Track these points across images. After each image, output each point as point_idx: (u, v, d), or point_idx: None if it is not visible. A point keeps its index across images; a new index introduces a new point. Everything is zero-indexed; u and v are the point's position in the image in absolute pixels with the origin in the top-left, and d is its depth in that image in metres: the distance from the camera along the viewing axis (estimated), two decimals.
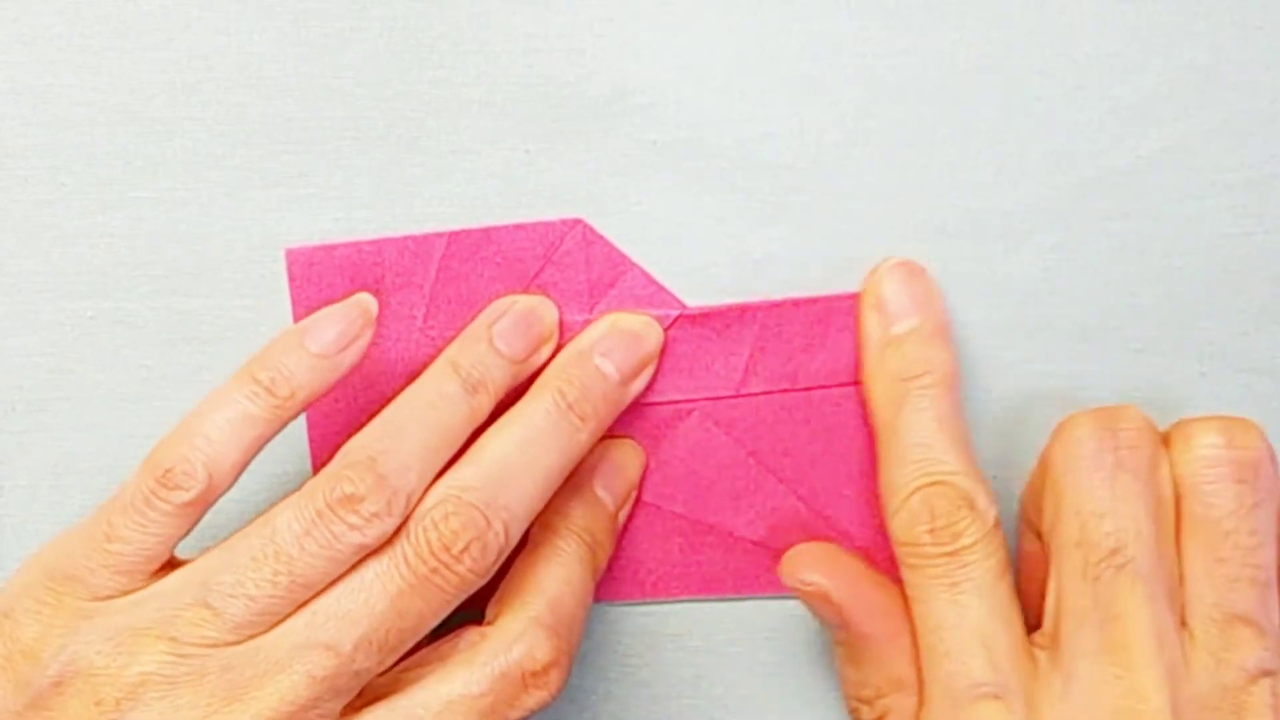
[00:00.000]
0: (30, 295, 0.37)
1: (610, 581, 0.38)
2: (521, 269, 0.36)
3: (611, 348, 0.36)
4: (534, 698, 0.33)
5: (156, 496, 0.32)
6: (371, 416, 0.35)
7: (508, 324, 0.35)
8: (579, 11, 0.36)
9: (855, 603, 0.35)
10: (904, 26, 0.36)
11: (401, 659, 0.33)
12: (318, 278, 0.36)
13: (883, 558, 0.37)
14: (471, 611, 0.34)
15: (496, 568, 0.33)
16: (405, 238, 0.36)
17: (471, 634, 0.34)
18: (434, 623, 0.32)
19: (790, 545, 0.37)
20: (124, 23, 0.36)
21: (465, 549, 0.32)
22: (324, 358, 0.33)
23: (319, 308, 0.35)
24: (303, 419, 0.36)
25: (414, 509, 0.32)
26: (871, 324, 0.36)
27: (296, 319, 0.36)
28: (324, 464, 0.34)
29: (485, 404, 0.34)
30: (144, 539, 0.32)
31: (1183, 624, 0.32)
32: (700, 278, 0.37)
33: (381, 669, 0.32)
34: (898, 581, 0.35)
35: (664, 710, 0.39)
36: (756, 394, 0.37)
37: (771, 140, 0.36)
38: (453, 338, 0.36)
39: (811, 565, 0.36)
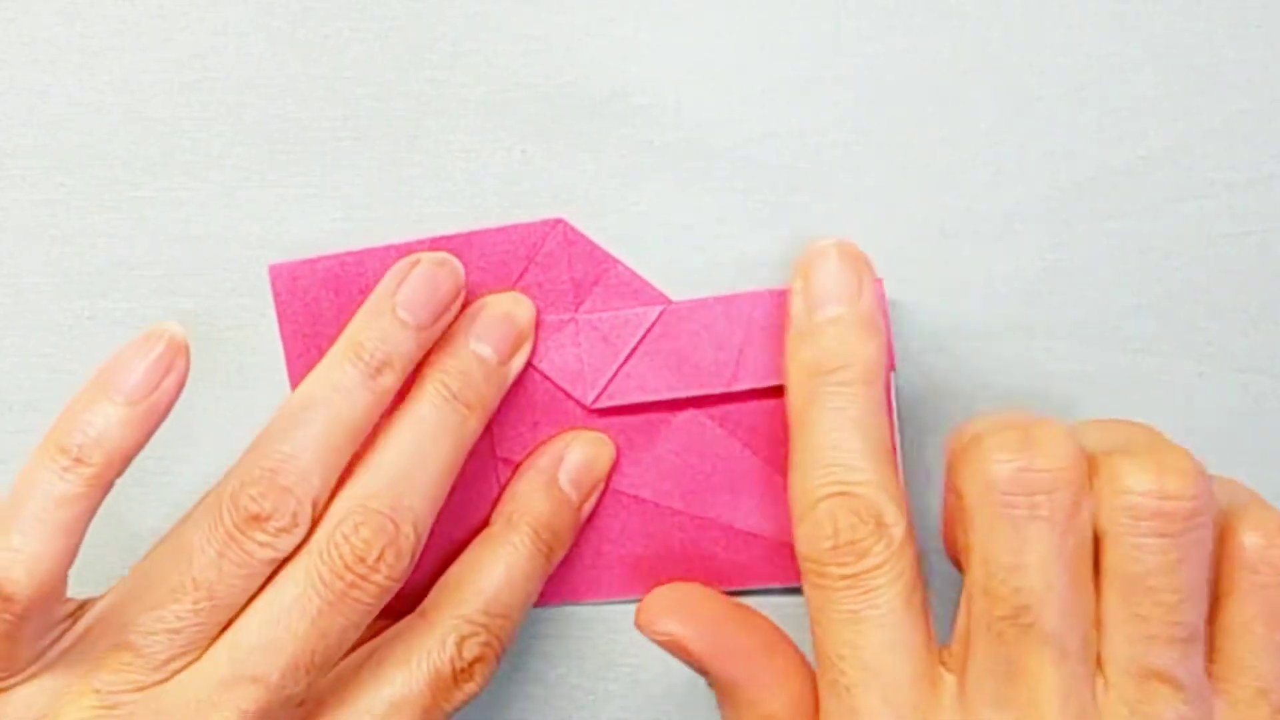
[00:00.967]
0: (29, 295, 0.37)
1: (611, 579, 0.38)
2: (504, 271, 0.36)
3: (485, 331, 0.35)
4: (464, 691, 0.34)
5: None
6: None
7: (413, 289, 0.34)
8: (577, 12, 0.36)
9: (716, 649, 0.34)
10: (903, 26, 0.36)
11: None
12: (302, 292, 0.36)
13: None
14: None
15: (412, 569, 0.33)
16: (388, 247, 0.36)
17: (405, 628, 0.34)
18: (357, 635, 0.32)
19: (789, 535, 0.37)
20: (124, 23, 0.36)
21: (380, 557, 0.32)
22: (132, 405, 0.31)
23: (306, 322, 0.36)
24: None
25: (322, 515, 0.32)
26: (796, 308, 0.34)
27: (284, 334, 0.36)
28: None
29: (391, 383, 0.33)
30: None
31: (1099, 666, 0.30)
32: (698, 278, 0.37)
33: (311, 689, 0.32)
34: None
35: (663, 710, 0.39)
36: (748, 389, 0.37)
37: (770, 140, 0.36)
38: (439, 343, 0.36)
39: (668, 613, 0.35)
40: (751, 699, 0.34)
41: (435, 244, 0.36)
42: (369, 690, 0.33)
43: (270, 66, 0.36)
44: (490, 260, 0.36)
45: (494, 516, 0.36)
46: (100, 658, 0.31)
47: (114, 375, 0.31)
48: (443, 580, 0.35)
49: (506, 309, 0.36)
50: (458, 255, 0.36)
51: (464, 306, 0.36)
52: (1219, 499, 0.31)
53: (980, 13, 0.36)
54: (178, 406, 0.37)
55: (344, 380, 0.33)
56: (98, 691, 0.31)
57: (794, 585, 0.38)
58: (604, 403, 0.36)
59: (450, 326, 0.35)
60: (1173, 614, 0.29)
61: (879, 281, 0.36)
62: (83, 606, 0.32)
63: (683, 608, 0.35)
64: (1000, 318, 0.37)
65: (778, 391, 0.37)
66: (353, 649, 0.33)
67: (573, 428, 0.37)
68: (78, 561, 0.38)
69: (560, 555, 0.37)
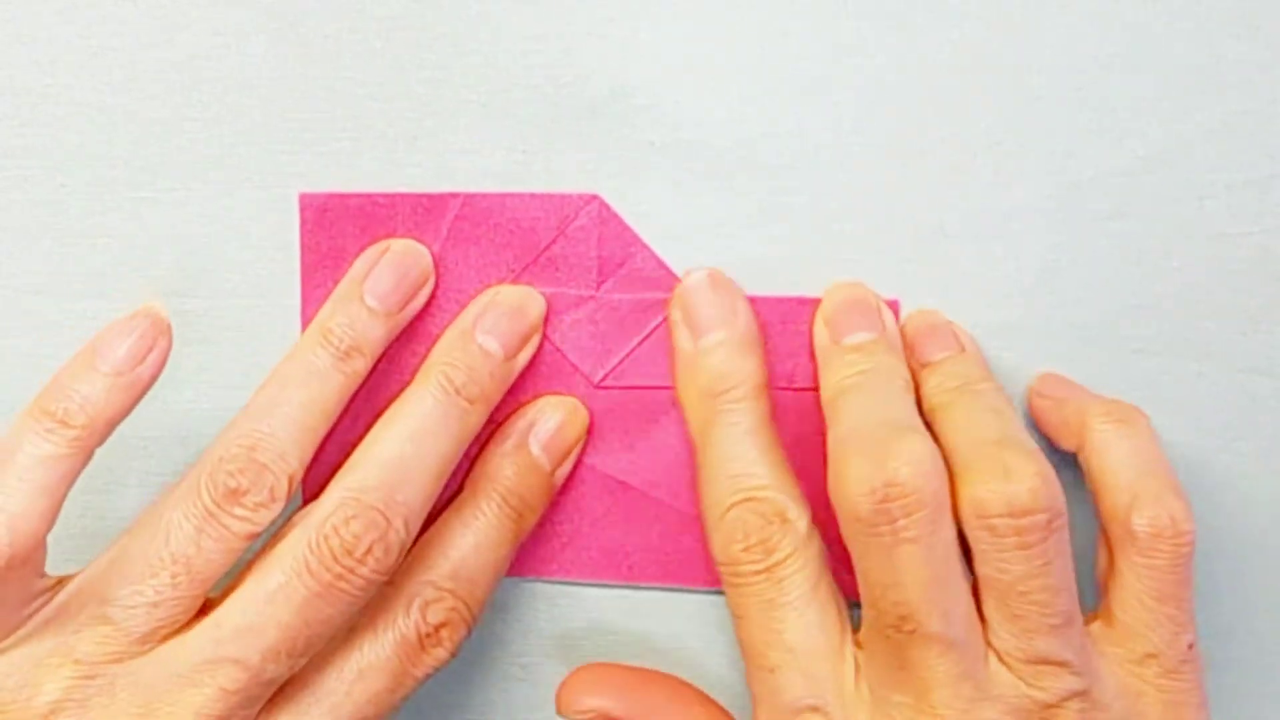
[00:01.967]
0: (29, 295, 0.37)
1: (590, 562, 0.38)
2: (533, 238, 0.36)
3: (493, 324, 0.35)
4: (432, 656, 0.34)
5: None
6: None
7: (381, 277, 0.35)
8: (578, 12, 0.36)
9: (639, 711, 0.35)
10: (903, 27, 0.36)
11: None
12: (329, 224, 0.36)
13: None
14: None
15: (400, 562, 0.33)
16: (420, 194, 0.36)
17: (375, 596, 0.34)
18: (342, 624, 0.33)
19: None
20: (123, 23, 0.36)
21: (368, 551, 0.32)
22: (118, 375, 0.33)
23: (328, 254, 0.36)
24: None
25: (295, 491, 0.33)
26: (681, 338, 0.36)
27: (305, 264, 0.36)
28: None
29: (361, 367, 0.34)
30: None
31: (989, 646, 0.32)
32: None
33: (293, 671, 0.32)
34: None
35: None
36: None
37: (770, 141, 0.36)
38: (458, 299, 0.36)
39: (587, 690, 0.36)
40: None
41: (470, 200, 0.36)
42: (339, 657, 0.33)
43: (270, 66, 0.36)
44: (521, 225, 0.36)
45: (465, 482, 0.36)
46: (80, 629, 0.31)
47: (101, 347, 0.33)
48: (414, 549, 0.35)
49: (517, 303, 0.36)
50: (489, 213, 0.36)
51: (492, 266, 0.36)
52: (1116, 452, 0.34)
53: (980, 13, 0.36)
54: (177, 407, 0.37)
55: (316, 363, 0.34)
56: (78, 662, 0.31)
57: None
58: (610, 382, 0.37)
59: (458, 316, 0.36)
60: (1048, 608, 0.31)
61: (894, 302, 0.36)
62: (61, 581, 0.33)
63: (600, 682, 0.36)
64: (1000, 318, 0.37)
65: (782, 397, 0.37)
66: None
67: None
68: (77, 560, 0.38)
69: (532, 521, 0.37)
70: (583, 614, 0.38)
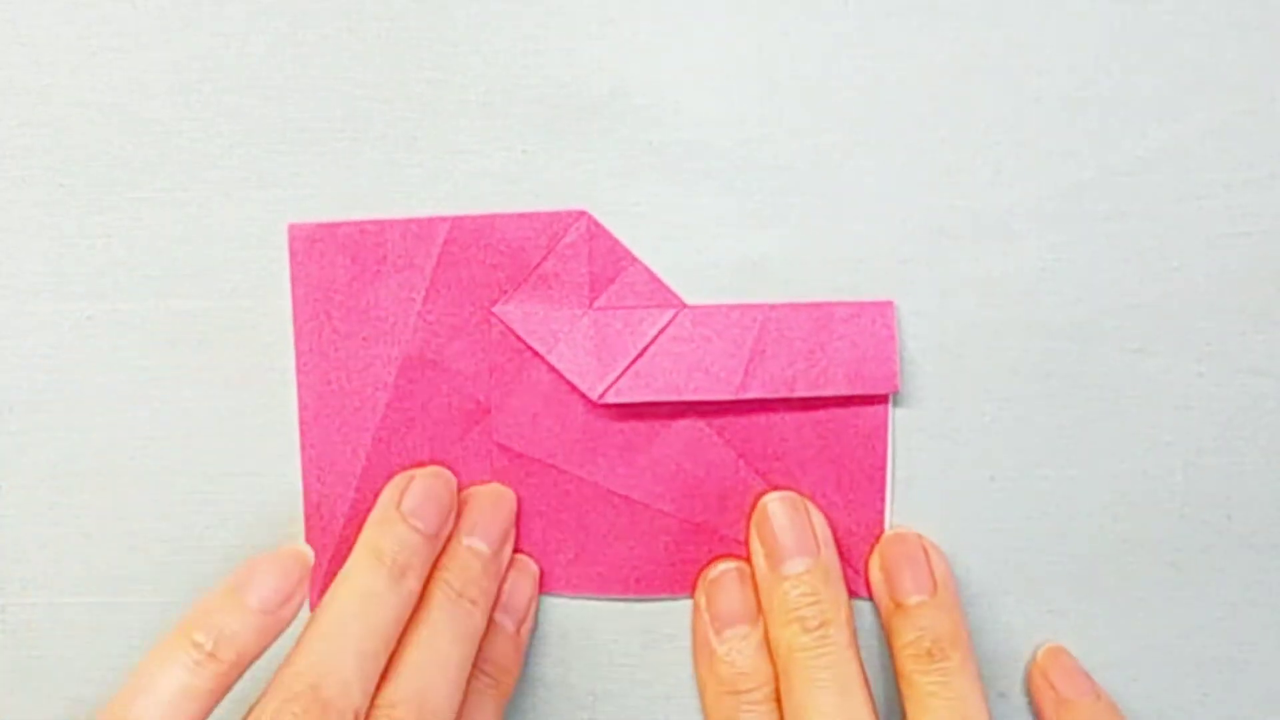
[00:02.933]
0: (29, 296, 0.37)
1: (596, 576, 0.38)
2: (524, 258, 0.36)
3: (475, 524, 0.37)
4: None
5: None
6: (363, 401, 0.36)
7: (417, 500, 0.36)
8: (577, 12, 0.36)
9: None
10: (903, 27, 0.36)
11: None
12: (319, 254, 0.36)
13: (862, 566, 0.37)
14: None
15: None
16: (408, 220, 0.36)
17: None
18: None
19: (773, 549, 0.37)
20: (123, 24, 0.36)
21: None
22: (266, 614, 0.33)
23: (319, 284, 0.36)
24: (293, 399, 0.37)
25: None
26: (701, 628, 0.37)
27: (296, 296, 0.36)
28: (314, 445, 0.35)
29: (415, 587, 0.35)
30: None
31: None
32: (698, 278, 0.37)
33: None
34: None
35: (661, 709, 0.39)
36: (754, 399, 0.37)
37: (770, 141, 0.36)
38: (451, 322, 0.36)
39: None
40: None
41: (458, 223, 0.36)
42: None
43: (270, 66, 0.36)
44: (510, 245, 0.36)
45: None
46: None
47: (250, 582, 0.34)
48: None
49: (492, 499, 0.37)
50: (478, 236, 0.36)
51: (484, 288, 0.36)
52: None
53: (980, 13, 0.36)
54: (176, 406, 0.37)
55: (373, 585, 0.34)
56: None
57: None
58: (610, 398, 0.36)
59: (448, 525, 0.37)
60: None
61: (889, 304, 0.36)
62: None
63: None
64: (1000, 318, 0.37)
65: (780, 405, 0.37)
66: None
67: (573, 420, 0.37)
68: (78, 560, 0.38)
69: (512, 682, 0.37)
70: (617, 633, 0.39)
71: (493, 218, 0.36)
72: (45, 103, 0.36)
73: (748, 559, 0.38)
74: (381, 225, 0.36)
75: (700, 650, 0.37)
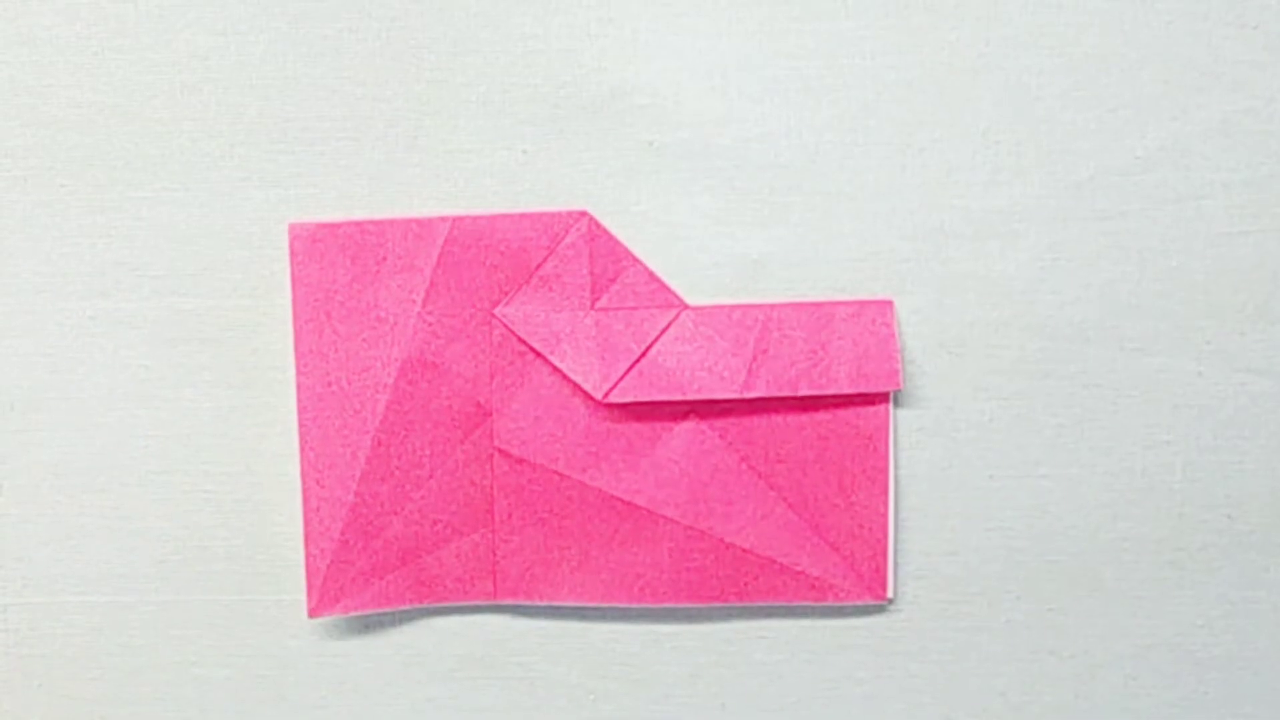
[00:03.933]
0: (30, 295, 0.37)
1: (600, 584, 0.38)
2: (524, 259, 0.36)
3: None
4: None
5: None
6: (363, 402, 0.36)
7: None
8: (577, 13, 0.36)
9: None
10: (902, 27, 0.36)
11: None
12: (320, 254, 0.36)
13: (866, 569, 0.37)
14: None
15: None
16: (409, 220, 0.36)
17: None
18: None
19: (780, 553, 0.37)
20: (123, 24, 0.36)
21: None
22: None
23: (319, 284, 0.36)
24: (293, 398, 0.37)
25: None
26: None
27: (296, 296, 0.36)
28: (314, 445, 0.35)
29: None
30: None
31: None
32: (698, 277, 0.37)
33: None
34: None
35: (662, 709, 0.39)
36: (757, 399, 0.37)
37: (769, 140, 0.36)
38: (451, 324, 0.36)
39: None
40: None
41: (458, 223, 0.36)
42: None
43: (270, 67, 0.36)
44: (511, 245, 0.36)
45: None
46: None
47: None
48: None
49: None
50: (479, 236, 0.36)
51: (485, 289, 0.36)
52: None
53: (980, 13, 0.36)
54: (177, 406, 0.37)
55: None
56: None
57: (781, 604, 0.38)
58: (615, 398, 0.36)
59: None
60: None
61: (889, 303, 0.36)
62: None
63: None
64: (1000, 318, 0.37)
65: (782, 407, 0.37)
66: None
67: (575, 424, 0.37)
68: (78, 560, 0.38)
69: None
70: (617, 633, 0.39)
71: (493, 218, 0.36)
72: (45, 103, 0.36)
73: (749, 566, 0.37)
74: (382, 225, 0.36)
75: None
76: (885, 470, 0.37)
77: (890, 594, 0.37)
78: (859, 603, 0.38)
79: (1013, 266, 0.36)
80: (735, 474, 0.37)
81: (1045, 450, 0.37)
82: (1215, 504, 0.37)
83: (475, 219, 0.36)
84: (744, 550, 0.37)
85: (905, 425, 0.37)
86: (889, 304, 0.36)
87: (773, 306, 0.36)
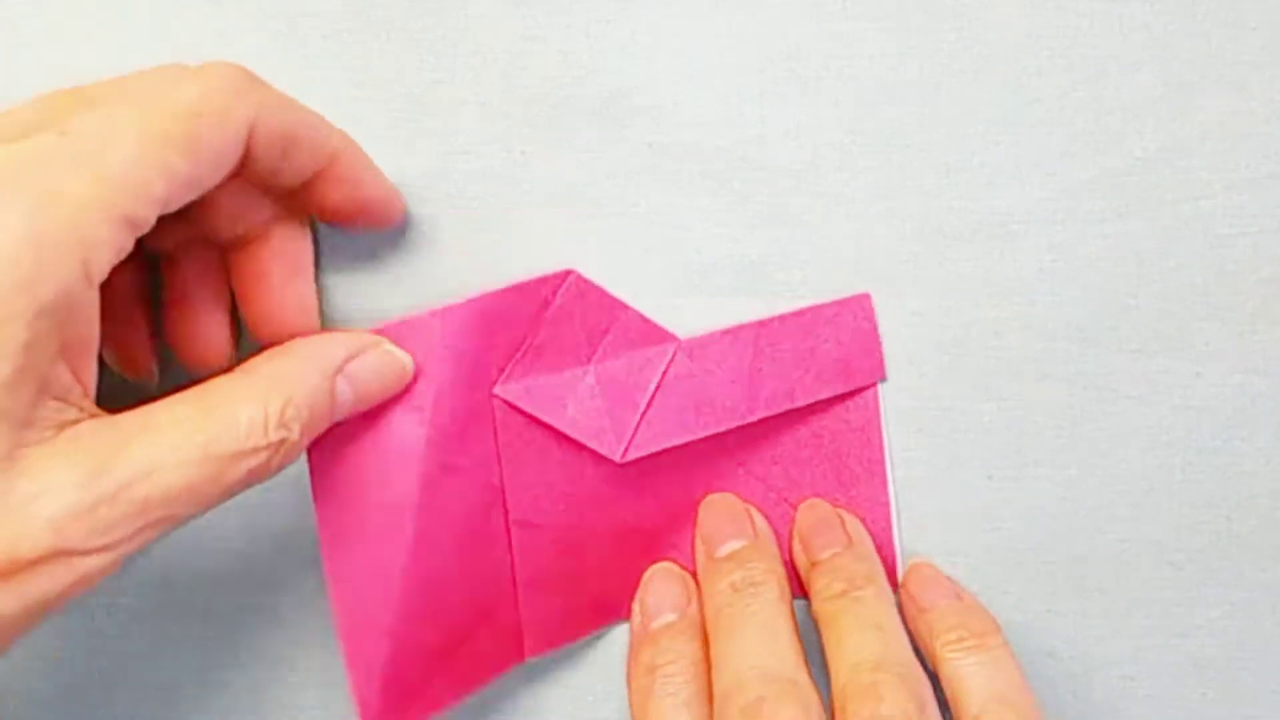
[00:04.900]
0: None
1: (622, 612, 0.38)
2: (516, 332, 0.35)
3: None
4: None
5: None
6: (386, 528, 0.33)
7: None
8: (577, 14, 0.36)
9: None
10: (901, 28, 0.36)
11: None
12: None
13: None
14: None
15: None
16: (400, 323, 0.34)
17: None
18: None
19: (789, 556, 0.37)
20: (123, 23, 0.36)
21: None
22: None
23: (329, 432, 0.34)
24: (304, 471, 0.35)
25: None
26: (634, 620, 0.37)
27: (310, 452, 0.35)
28: (344, 585, 0.34)
29: None
30: None
31: None
32: (698, 279, 0.37)
33: None
34: None
35: None
36: (761, 420, 0.37)
37: (769, 142, 0.36)
38: (457, 419, 0.34)
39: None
40: None
41: (448, 317, 0.34)
42: None
43: (268, 68, 0.36)
44: (503, 321, 0.35)
45: None
46: None
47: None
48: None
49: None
50: (469, 325, 0.34)
51: (485, 373, 0.35)
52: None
53: (979, 13, 0.36)
54: None
55: None
56: None
57: None
58: (632, 454, 0.36)
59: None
60: None
61: (866, 296, 0.37)
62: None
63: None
64: (1000, 318, 0.37)
65: (777, 419, 0.37)
66: None
67: (587, 481, 0.36)
68: None
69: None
70: (617, 633, 0.39)
71: (481, 300, 0.34)
72: None
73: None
74: (382, 332, 0.34)
75: (631, 651, 0.37)
76: (882, 461, 0.37)
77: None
78: None
79: (1012, 267, 0.36)
80: (740, 483, 0.37)
81: (1045, 450, 0.37)
82: (1215, 504, 0.37)
83: (463, 307, 0.34)
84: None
85: (903, 425, 0.37)
86: (867, 297, 0.37)
87: (761, 324, 0.36)
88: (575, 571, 0.37)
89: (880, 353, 0.37)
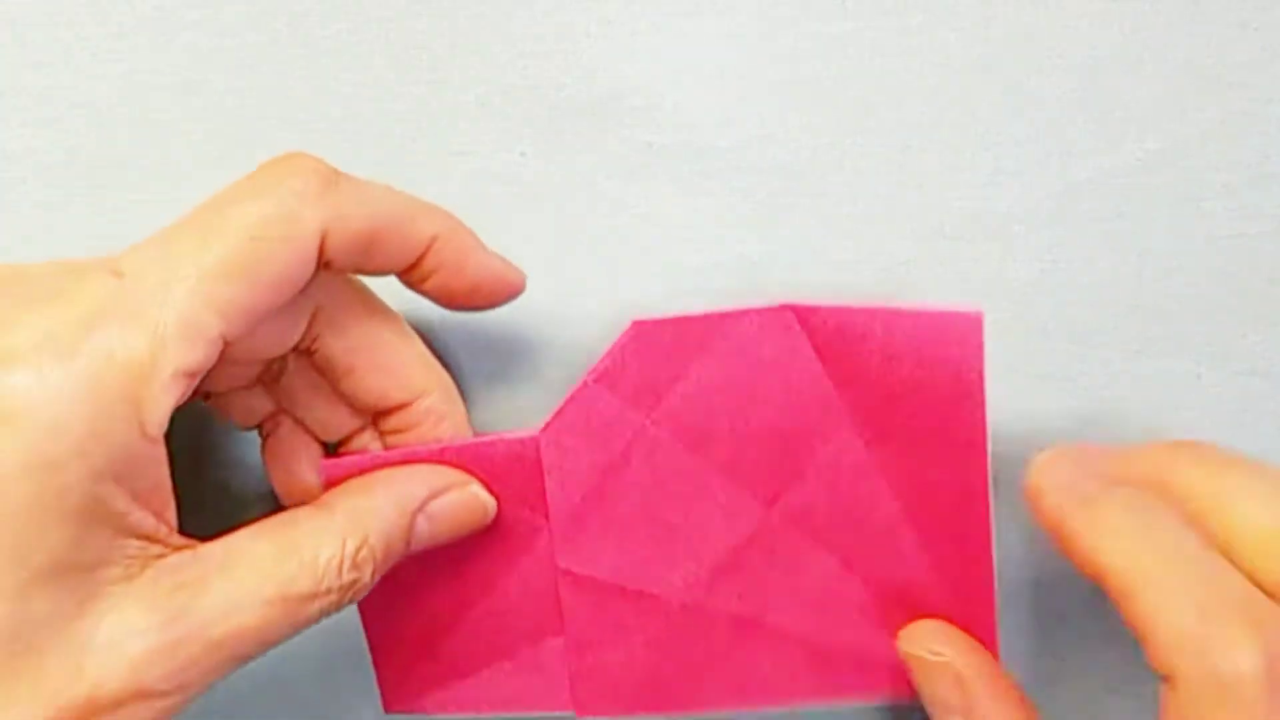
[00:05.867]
0: None
1: (702, 693, 0.36)
2: (526, 482, 0.35)
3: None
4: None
5: None
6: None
7: None
8: (575, 14, 0.36)
9: (981, 683, 0.33)
10: (901, 27, 0.36)
11: None
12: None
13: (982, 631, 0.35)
14: None
15: None
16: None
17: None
18: None
19: (838, 638, 0.35)
20: (122, 24, 0.36)
21: None
22: None
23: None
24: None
25: None
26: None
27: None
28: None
29: None
30: None
31: None
32: (697, 280, 0.37)
33: None
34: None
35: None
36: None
37: (768, 142, 0.36)
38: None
39: (939, 639, 0.34)
40: None
41: (444, 454, 0.34)
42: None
43: (268, 69, 0.36)
44: (503, 469, 0.34)
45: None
46: None
47: None
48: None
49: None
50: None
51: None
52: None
53: (979, 13, 0.36)
54: (177, 410, 0.37)
55: None
56: None
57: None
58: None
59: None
60: None
61: (979, 316, 0.33)
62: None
63: (952, 637, 0.34)
64: (997, 319, 0.37)
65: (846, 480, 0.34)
66: None
67: (640, 540, 0.35)
68: None
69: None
70: None
71: (473, 448, 0.34)
72: (45, 103, 0.36)
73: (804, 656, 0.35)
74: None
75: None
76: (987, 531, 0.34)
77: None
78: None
79: (1011, 268, 0.36)
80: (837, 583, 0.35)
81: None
82: None
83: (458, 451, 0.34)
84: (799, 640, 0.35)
85: None
86: (979, 317, 0.33)
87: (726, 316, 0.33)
88: (639, 638, 0.35)
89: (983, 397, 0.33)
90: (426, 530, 0.32)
